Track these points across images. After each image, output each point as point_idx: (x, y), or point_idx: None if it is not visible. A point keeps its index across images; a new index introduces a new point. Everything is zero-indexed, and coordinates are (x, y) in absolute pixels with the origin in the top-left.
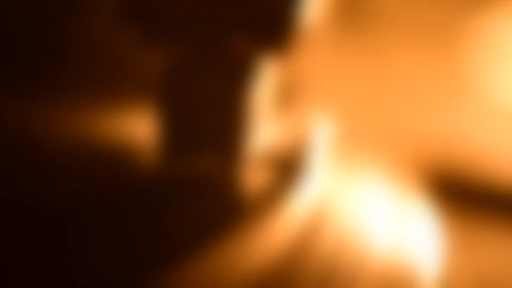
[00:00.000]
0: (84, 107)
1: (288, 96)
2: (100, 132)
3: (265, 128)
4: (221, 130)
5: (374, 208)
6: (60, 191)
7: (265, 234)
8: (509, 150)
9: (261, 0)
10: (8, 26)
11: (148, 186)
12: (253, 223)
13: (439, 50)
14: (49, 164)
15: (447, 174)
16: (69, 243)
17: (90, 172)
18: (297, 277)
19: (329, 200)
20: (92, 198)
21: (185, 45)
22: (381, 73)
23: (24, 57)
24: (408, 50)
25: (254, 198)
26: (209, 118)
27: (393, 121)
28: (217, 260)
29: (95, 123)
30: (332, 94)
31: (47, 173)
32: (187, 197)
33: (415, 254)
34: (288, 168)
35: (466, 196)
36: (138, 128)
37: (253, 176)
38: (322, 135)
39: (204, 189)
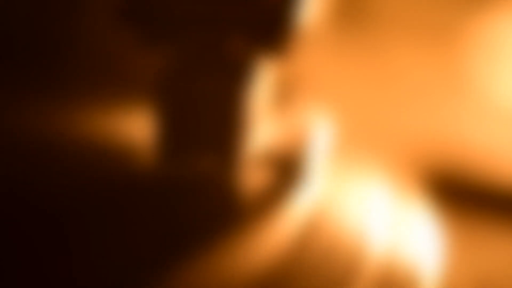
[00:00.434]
0: (83, 107)
1: (287, 97)
2: (99, 132)
3: (264, 129)
4: (220, 130)
5: (373, 208)
6: (59, 191)
7: (264, 235)
8: (509, 150)
9: (260, 0)
10: (8, 26)
11: (147, 187)
12: (252, 224)
13: (439, 50)
14: (49, 164)
15: (447, 174)
16: (69, 243)
17: (89, 172)
18: (296, 277)
19: (329, 200)
20: (91, 198)
21: (184, 45)
22: (381, 73)
23: (23, 57)
24: (408, 50)
25: (253, 198)
26: (208, 119)
27: (393, 121)
28: (216, 261)
29: (94, 123)
30: (332, 94)
31: (47, 173)
32: (186, 197)
33: (415, 254)
34: (287, 168)
35: (466, 196)
36: (137, 128)
37: (252, 176)
38: (321, 135)
39: (203, 189)
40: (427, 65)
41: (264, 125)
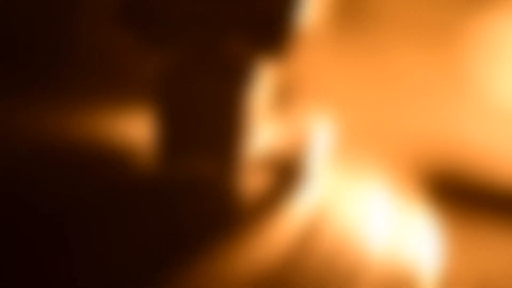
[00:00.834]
0: (82, 107)
1: (287, 98)
2: (98, 133)
3: (264, 130)
4: (219, 132)
5: (374, 209)
6: (59, 191)
7: (264, 237)
8: (509, 150)
9: (260, 1)
10: (8, 26)
11: (147, 188)
12: (252, 226)
13: (439, 50)
14: (48, 165)
15: (447, 174)
16: (69, 243)
17: (88, 173)
18: (296, 280)
19: (329, 202)
20: (91, 199)
21: (183, 46)
22: (381, 73)
23: (22, 58)
24: (408, 50)
25: (253, 200)
26: (207, 120)
27: (393, 122)
28: (215, 263)
29: (94, 124)
30: (332, 95)
31: (46, 174)
32: (185, 199)
33: (415, 255)
34: (287, 170)
35: (466, 196)
36: (136, 129)
37: (252, 178)
38: (321, 137)
39: (202, 191)
40: (427, 65)
41: (264, 127)
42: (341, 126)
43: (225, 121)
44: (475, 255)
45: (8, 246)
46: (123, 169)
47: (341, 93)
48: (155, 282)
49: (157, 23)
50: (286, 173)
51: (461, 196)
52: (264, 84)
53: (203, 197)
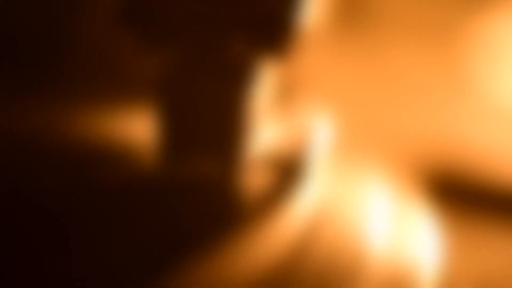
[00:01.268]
0: (83, 107)
1: (287, 97)
2: (99, 133)
3: (265, 130)
4: (220, 131)
5: (374, 208)
6: (60, 191)
7: (265, 236)
8: (509, 150)
9: (260, 1)
10: (8, 27)
11: (148, 187)
12: (253, 225)
13: (439, 50)
14: (49, 164)
15: (447, 174)
16: (69, 243)
17: (89, 173)
18: (297, 279)
19: (329, 201)
20: (91, 198)
21: (184, 46)
22: (381, 73)
23: (23, 58)
24: (408, 50)
25: (254, 199)
26: (208, 120)
27: (393, 121)
28: (217, 262)
29: (94, 124)
30: (332, 95)
31: (47, 173)
32: (187, 199)
33: (415, 255)
34: (288, 169)
35: (466, 196)
36: (137, 129)
37: (253, 177)
38: (322, 136)
39: (203, 190)
40: (427, 65)
41: (265, 126)
42: (341, 125)
43: (226, 120)
44: (475, 255)
45: (8, 246)
46: (124, 168)
47: (341, 93)
48: (156, 282)
49: (157, 23)
50: (287, 172)
51: (461, 196)
52: (265, 84)
53: (204, 196)
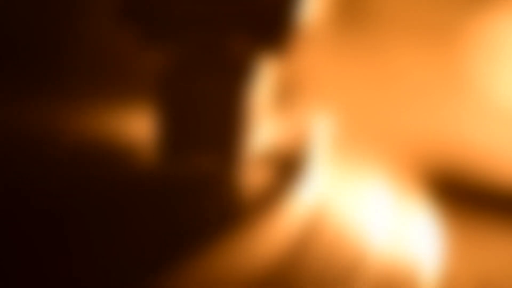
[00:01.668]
0: (83, 107)
1: (287, 96)
2: (99, 132)
3: (265, 128)
4: (220, 129)
5: (374, 207)
6: (60, 190)
7: (265, 234)
8: (509, 150)
9: (260, 0)
10: (8, 26)
11: (148, 186)
12: (253, 223)
13: (439, 50)
14: (49, 164)
15: (447, 174)
16: (69, 243)
17: (89, 172)
18: (296, 277)
19: (329, 199)
20: (91, 197)
21: (184, 44)
22: (381, 73)
23: (23, 57)
24: (408, 50)
25: (254, 197)
26: (208, 118)
27: (393, 121)
28: (216, 260)
29: (94, 123)
30: (332, 94)
31: (47, 173)
32: (187, 197)
33: (415, 254)
34: (287, 167)
35: (466, 196)
36: (137, 127)
37: (253, 175)
38: (321, 135)
39: (203, 188)
40: (427, 65)
41: (265, 124)
42: (341, 124)
43: (226, 118)
44: (475, 255)
45: (8, 246)
46: (125, 167)
47: (341, 92)
48: (155, 280)
49: (158, 22)
50: (287, 170)
51: (461, 195)
52: (265, 82)
53: (204, 194)
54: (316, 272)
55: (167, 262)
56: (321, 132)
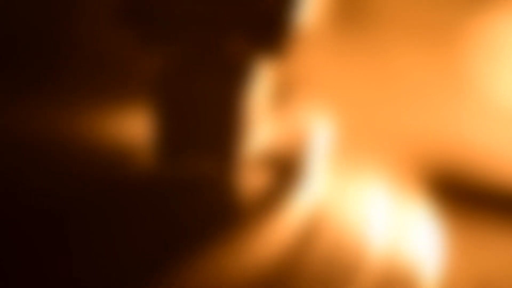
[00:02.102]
0: (82, 107)
1: (286, 97)
2: (98, 133)
3: (263, 129)
4: (218, 131)
5: (373, 208)
6: (59, 191)
7: (263, 236)
8: (509, 150)
9: (260, 1)
10: (8, 27)
11: (146, 187)
12: (252, 225)
13: (439, 50)
14: (48, 164)
15: (447, 174)
16: (69, 243)
17: (89, 173)
18: (295, 278)
19: (329, 201)
20: (91, 198)
21: (183, 46)
22: (381, 73)
23: (23, 58)
24: (408, 50)
25: (253, 199)
26: (206, 119)
27: (393, 121)
28: (215, 262)
29: (94, 124)
30: (331, 95)
31: (47, 173)
32: (185, 198)
33: (415, 255)
34: (286, 169)
35: (466, 196)
36: (136, 128)
37: (251, 177)
38: (321, 136)
39: (202, 190)
40: (427, 65)
41: (263, 126)
42: (340, 125)
43: (225, 119)
44: (475, 255)
45: (8, 246)
46: (124, 168)
47: (340, 93)
48: (154, 281)
49: (157, 23)
50: (286, 172)
51: (461, 196)
52: (263, 83)
53: (203, 196)
54: (315, 273)
55: (166, 263)
56: (320, 132)
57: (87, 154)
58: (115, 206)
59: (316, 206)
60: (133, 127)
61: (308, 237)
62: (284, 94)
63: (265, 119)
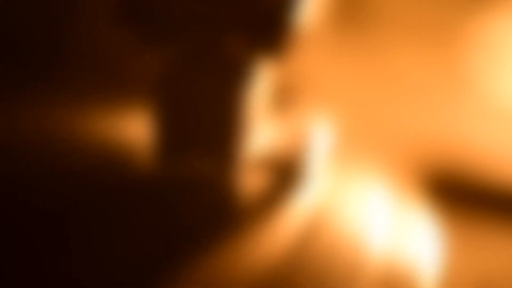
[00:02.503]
0: (82, 107)
1: (286, 98)
2: (98, 133)
3: (263, 130)
4: (218, 132)
5: (373, 209)
6: (59, 191)
7: (263, 237)
8: (509, 150)
9: (260, 1)
10: (8, 27)
11: (146, 187)
12: (251, 226)
13: (439, 50)
14: (48, 164)
15: (447, 174)
16: (69, 243)
17: (88, 173)
18: (295, 279)
19: (328, 202)
20: (91, 198)
21: (182, 46)
22: (381, 73)
23: (22, 58)
24: (408, 50)
25: (252, 200)
26: (206, 120)
27: (393, 122)
28: (214, 263)
29: (94, 124)
30: (331, 95)
31: (46, 173)
32: (185, 199)
33: (415, 255)
34: (286, 170)
35: (466, 196)
36: (135, 129)
37: (251, 178)
38: (321, 137)
39: (201, 191)
40: (427, 65)
41: (263, 126)
42: (340, 125)
43: (224, 120)
44: (475, 255)
45: (8, 246)
46: (123, 168)
47: (340, 93)
48: (154, 281)
49: (157, 23)
50: (285, 173)
51: (461, 196)
52: (263, 84)
53: (202, 196)
54: (315, 275)
55: (166, 263)
56: (320, 133)
57: (87, 154)
58: (115, 206)
59: (316, 207)
60: (133, 127)
61: (308, 239)
62: (284, 94)
63: (265, 119)
